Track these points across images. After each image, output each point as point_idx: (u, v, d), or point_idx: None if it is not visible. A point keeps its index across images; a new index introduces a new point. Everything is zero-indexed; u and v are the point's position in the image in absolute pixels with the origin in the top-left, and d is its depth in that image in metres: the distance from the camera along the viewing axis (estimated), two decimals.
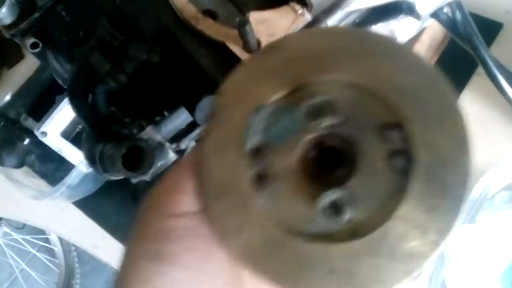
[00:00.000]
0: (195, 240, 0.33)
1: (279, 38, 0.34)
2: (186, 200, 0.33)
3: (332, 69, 0.32)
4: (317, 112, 0.32)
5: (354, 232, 0.31)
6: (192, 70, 0.53)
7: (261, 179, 0.33)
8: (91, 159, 0.53)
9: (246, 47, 0.50)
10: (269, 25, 0.51)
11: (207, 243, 0.33)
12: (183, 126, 0.59)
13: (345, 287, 0.31)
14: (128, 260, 0.34)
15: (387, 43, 0.33)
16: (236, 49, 0.51)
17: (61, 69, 0.63)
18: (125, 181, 0.55)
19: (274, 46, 0.34)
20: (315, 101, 0.32)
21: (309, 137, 0.33)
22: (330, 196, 0.31)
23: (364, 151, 0.32)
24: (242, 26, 0.47)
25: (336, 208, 0.31)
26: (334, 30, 0.35)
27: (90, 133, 0.54)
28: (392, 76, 0.32)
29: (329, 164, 0.34)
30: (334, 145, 0.33)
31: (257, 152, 0.33)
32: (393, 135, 0.31)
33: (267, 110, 0.33)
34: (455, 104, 0.31)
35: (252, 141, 0.33)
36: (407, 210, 0.30)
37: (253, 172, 0.33)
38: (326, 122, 0.32)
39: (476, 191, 0.70)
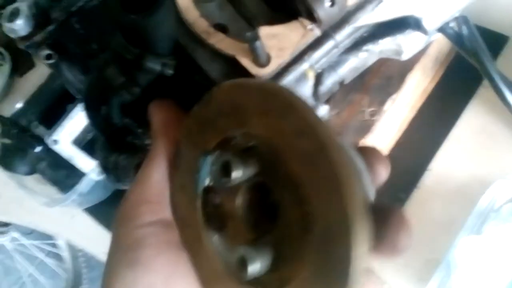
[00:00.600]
0: (164, 246, 0.37)
1: (214, 89, 0.38)
2: (151, 211, 0.38)
3: (246, 124, 0.35)
4: (234, 164, 0.34)
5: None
6: (203, 83, 0.54)
7: (210, 218, 0.38)
8: (105, 169, 0.55)
9: (256, 61, 0.51)
10: (279, 40, 0.52)
11: (174, 248, 0.38)
12: None
13: None
14: (109, 268, 0.37)
15: (292, 100, 0.32)
16: (247, 63, 0.52)
17: (74, 80, 0.65)
18: None
19: (210, 98, 0.38)
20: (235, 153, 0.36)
21: (246, 184, 0.36)
22: (241, 251, 0.33)
23: (280, 203, 0.34)
24: (252, 41, 0.48)
25: (242, 263, 0.32)
26: (255, 85, 0.36)
27: (104, 144, 0.55)
28: (289, 137, 0.31)
29: (263, 213, 0.36)
30: (263, 196, 0.36)
31: (209, 193, 0.38)
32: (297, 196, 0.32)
33: (212, 156, 0.38)
34: (342, 171, 0.28)
35: (203, 183, 0.38)
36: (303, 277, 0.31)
37: (205, 211, 0.38)
38: (247, 172, 0.35)
39: (482, 203, 0.71)
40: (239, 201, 0.37)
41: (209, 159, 0.38)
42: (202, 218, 0.38)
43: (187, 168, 0.39)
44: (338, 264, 0.28)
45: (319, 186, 0.29)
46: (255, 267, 0.32)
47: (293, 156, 0.31)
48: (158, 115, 0.46)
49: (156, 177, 0.40)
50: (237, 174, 0.34)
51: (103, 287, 0.37)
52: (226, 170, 0.34)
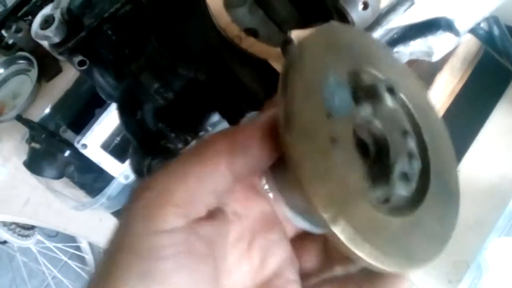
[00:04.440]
0: (184, 259, 0.31)
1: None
2: (176, 214, 0.32)
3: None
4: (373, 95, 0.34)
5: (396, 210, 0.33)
6: (235, 87, 0.54)
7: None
8: (138, 173, 0.55)
9: None
10: None
11: (195, 261, 0.32)
12: None
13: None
14: (115, 272, 0.31)
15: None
16: (278, 67, 0.52)
17: (106, 85, 0.65)
18: None
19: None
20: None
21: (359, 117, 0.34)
22: (402, 166, 0.32)
23: (394, 147, 0.34)
24: (285, 45, 0.49)
25: (405, 178, 0.32)
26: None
27: (138, 148, 0.56)
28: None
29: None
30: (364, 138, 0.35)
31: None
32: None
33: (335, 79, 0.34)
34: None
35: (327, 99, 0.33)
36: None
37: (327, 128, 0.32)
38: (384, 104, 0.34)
39: None
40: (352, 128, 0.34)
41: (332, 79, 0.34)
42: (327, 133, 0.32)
43: (311, 79, 0.33)
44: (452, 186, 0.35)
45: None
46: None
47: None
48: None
49: (194, 179, 0.34)
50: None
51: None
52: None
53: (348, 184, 0.31)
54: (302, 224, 0.36)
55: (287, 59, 0.34)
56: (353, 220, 0.30)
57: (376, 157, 0.34)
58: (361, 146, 0.34)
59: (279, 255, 0.38)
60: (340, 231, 0.29)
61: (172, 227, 0.31)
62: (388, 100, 0.34)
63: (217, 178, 0.33)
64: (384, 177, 0.32)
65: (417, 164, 0.34)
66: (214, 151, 0.34)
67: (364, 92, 0.34)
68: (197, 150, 0.35)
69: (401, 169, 0.32)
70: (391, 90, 0.34)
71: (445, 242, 0.34)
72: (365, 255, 0.30)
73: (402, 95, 0.36)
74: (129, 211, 0.32)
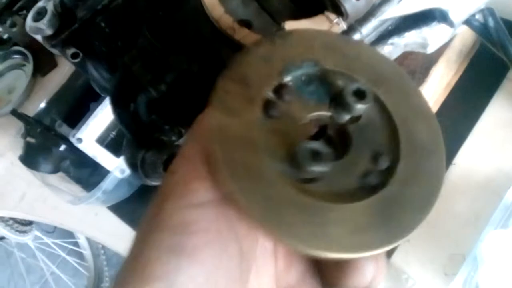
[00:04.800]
0: (213, 235, 0.32)
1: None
2: (204, 188, 0.32)
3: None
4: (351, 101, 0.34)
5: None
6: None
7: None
8: (133, 166, 0.55)
9: None
10: None
11: (223, 239, 0.32)
12: None
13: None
14: (147, 249, 0.31)
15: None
16: None
17: (100, 78, 0.65)
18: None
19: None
20: (353, 88, 0.34)
21: (324, 113, 0.36)
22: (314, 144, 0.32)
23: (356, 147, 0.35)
24: None
25: (315, 155, 0.32)
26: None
27: (132, 141, 0.55)
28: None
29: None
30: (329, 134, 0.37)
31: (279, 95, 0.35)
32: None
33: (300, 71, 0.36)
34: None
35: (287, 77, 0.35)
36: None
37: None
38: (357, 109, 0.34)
39: (509, 196, 0.71)
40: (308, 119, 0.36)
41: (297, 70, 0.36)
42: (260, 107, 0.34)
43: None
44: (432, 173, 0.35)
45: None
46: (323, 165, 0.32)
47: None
48: None
49: (196, 148, 0.34)
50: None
51: (130, 272, 0.31)
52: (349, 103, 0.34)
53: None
54: None
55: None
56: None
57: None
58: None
59: (302, 264, 0.38)
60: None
61: (202, 201, 0.32)
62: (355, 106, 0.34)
63: None
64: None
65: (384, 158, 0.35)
66: None
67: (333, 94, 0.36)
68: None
69: (310, 146, 0.32)
70: (361, 95, 0.34)
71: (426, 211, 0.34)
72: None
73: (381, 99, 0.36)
74: (158, 195, 0.33)
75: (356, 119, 0.36)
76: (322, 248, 0.31)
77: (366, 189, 0.34)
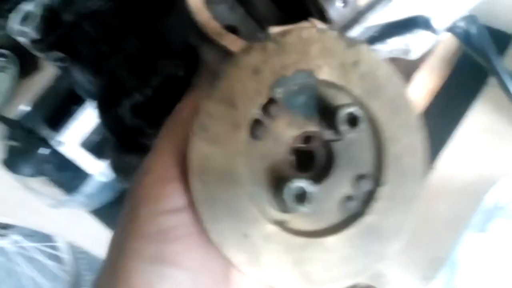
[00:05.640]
0: (193, 239, 0.31)
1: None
2: (179, 192, 0.31)
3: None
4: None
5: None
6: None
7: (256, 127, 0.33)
8: (116, 170, 0.55)
9: None
10: None
11: (202, 241, 0.31)
12: None
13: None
14: (124, 259, 0.30)
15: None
16: None
17: (85, 82, 0.65)
18: None
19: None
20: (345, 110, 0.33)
21: (310, 128, 0.34)
22: (300, 183, 0.31)
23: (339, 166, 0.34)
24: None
25: (301, 197, 0.31)
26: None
27: (116, 145, 0.55)
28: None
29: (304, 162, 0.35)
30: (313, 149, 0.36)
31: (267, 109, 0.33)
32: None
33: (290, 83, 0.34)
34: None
35: (277, 91, 0.33)
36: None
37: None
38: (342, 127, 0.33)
39: (487, 201, 0.72)
40: (293, 133, 0.34)
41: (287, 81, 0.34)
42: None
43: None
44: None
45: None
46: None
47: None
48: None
49: (171, 145, 0.33)
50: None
51: (107, 284, 0.30)
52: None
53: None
54: None
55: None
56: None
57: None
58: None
59: None
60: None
61: (177, 206, 0.31)
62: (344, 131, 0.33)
63: None
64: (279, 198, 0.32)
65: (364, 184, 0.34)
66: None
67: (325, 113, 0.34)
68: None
69: (296, 187, 0.31)
70: (353, 121, 0.32)
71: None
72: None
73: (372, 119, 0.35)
74: (132, 197, 0.32)
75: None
76: (297, 285, 0.32)
77: (346, 218, 0.34)
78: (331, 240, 0.33)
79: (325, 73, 0.34)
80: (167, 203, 0.31)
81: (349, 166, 0.34)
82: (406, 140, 0.35)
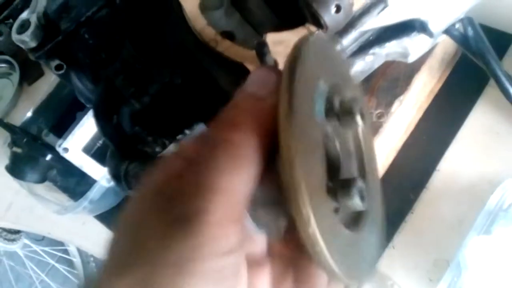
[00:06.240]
0: (231, 283, 0.30)
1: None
2: (235, 233, 0.30)
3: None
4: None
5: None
6: (212, 90, 0.55)
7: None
8: (116, 177, 0.55)
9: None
10: (286, 46, 0.52)
11: (237, 282, 0.31)
12: None
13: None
14: None
15: None
16: (254, 69, 0.52)
17: (84, 89, 0.65)
18: None
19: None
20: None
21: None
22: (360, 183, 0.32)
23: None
24: (260, 48, 0.49)
25: (362, 195, 0.32)
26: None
27: (115, 152, 0.56)
28: None
29: None
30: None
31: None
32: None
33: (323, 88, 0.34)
34: None
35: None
36: None
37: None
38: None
39: (491, 203, 0.71)
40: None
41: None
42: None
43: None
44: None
45: None
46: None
47: None
48: (244, 99, 0.33)
49: (245, 187, 0.31)
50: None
51: None
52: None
53: (320, 188, 0.31)
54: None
55: (294, 56, 0.32)
56: (321, 226, 0.30)
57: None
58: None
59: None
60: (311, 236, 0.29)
61: (230, 248, 0.30)
62: (359, 124, 0.34)
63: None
64: (344, 190, 0.32)
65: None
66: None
67: (340, 110, 0.34)
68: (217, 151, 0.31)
69: (360, 187, 0.32)
70: (363, 115, 0.33)
71: (374, 265, 0.37)
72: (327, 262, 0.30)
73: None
74: (188, 234, 0.30)
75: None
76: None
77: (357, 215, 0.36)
78: (359, 236, 0.35)
79: (329, 78, 0.36)
80: (223, 244, 0.30)
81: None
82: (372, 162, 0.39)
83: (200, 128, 0.53)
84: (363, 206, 0.32)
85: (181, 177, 0.31)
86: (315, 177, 0.31)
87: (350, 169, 0.37)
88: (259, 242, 0.38)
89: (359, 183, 0.32)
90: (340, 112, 0.34)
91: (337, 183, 0.32)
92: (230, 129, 0.31)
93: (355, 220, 0.36)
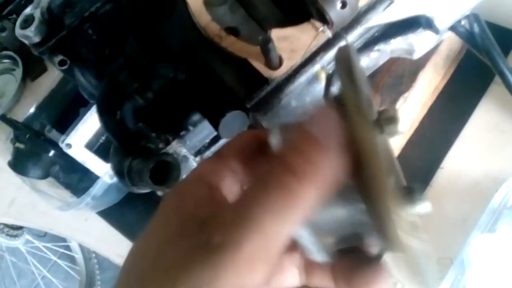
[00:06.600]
0: None
1: None
2: (261, 274, 0.29)
3: None
4: None
5: None
6: (216, 86, 0.54)
7: None
8: (119, 173, 0.55)
9: (268, 63, 0.51)
10: (291, 42, 0.52)
11: None
12: (207, 140, 0.61)
13: None
14: None
15: None
16: (259, 65, 0.52)
17: (88, 85, 0.65)
18: (149, 191, 0.57)
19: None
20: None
21: None
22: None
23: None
24: (265, 44, 0.49)
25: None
26: None
27: (118, 148, 0.55)
28: None
29: None
30: None
31: None
32: None
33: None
34: None
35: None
36: None
37: None
38: None
39: (496, 200, 0.71)
40: None
41: None
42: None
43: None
44: None
45: None
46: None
47: None
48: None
49: (288, 230, 0.29)
50: None
51: None
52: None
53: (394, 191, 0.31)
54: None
55: (342, 58, 0.33)
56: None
57: None
58: None
59: None
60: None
61: (255, 285, 0.29)
62: (400, 132, 0.33)
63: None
64: (407, 197, 0.32)
65: None
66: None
67: (384, 118, 0.33)
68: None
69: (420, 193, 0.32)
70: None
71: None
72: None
73: None
74: (219, 263, 0.29)
75: None
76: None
77: None
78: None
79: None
80: (250, 281, 0.29)
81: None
82: None
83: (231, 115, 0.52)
84: (426, 212, 0.32)
85: (217, 203, 0.31)
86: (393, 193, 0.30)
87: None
88: (289, 277, 0.37)
89: (417, 190, 0.32)
90: (384, 121, 0.33)
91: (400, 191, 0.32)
92: (288, 175, 0.29)
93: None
